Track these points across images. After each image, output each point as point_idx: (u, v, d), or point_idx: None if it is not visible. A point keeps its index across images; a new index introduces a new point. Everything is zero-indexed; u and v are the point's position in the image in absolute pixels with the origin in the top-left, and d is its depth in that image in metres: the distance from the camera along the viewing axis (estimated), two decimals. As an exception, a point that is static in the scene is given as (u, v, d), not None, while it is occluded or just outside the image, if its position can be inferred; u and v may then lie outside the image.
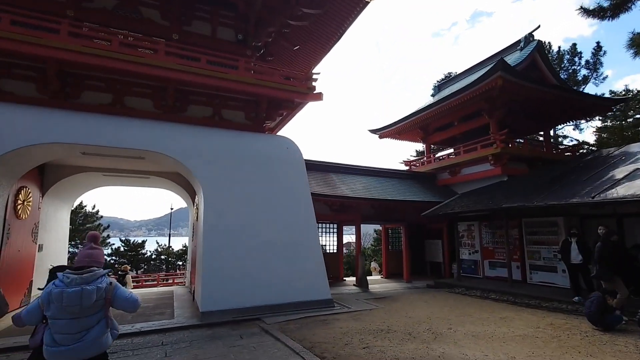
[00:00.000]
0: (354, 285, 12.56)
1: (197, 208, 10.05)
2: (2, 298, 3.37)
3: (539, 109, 13.89)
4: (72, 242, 27.66)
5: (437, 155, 17.09)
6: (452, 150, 16.34)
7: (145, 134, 7.88)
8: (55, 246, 10.85)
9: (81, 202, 30.76)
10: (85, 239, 2.93)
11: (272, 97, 9.39)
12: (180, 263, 34.86)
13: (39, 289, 2.88)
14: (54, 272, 2.99)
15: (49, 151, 7.43)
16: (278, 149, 9.41)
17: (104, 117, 7.78)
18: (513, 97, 12.39)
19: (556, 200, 8.26)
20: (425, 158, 17.06)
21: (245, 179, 8.65)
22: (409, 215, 13.94)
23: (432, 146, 18.46)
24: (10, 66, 7.55)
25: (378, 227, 23.49)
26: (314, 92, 9.56)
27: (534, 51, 14.67)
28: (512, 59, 14.63)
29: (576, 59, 24.63)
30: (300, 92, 9.40)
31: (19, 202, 8.27)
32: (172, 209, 51.19)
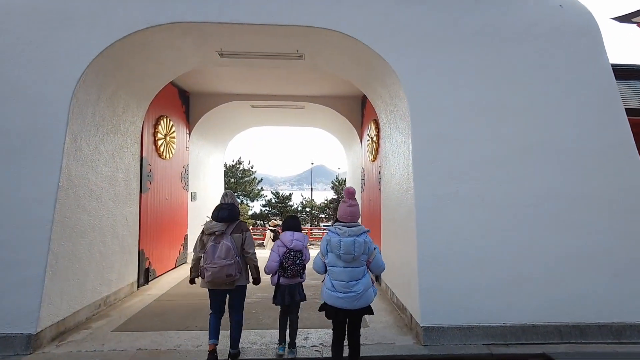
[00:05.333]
0: None
1: (374, 140, 6.46)
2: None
3: None
4: (236, 193, 30.30)
5: None
6: None
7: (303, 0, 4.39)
8: (210, 195, 9.35)
9: (239, 158, 33.43)
10: (344, 195, 3.02)
11: None
12: (323, 216, 34.96)
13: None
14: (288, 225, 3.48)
15: (175, 48, 4.81)
16: (540, 12, 4.57)
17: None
18: None
19: None
20: None
21: (480, 74, 4.32)
22: None
23: None
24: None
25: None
26: None
27: None
28: None
29: None
30: None
31: (159, 135, 6.32)
32: (312, 163, 52.69)
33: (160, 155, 6.36)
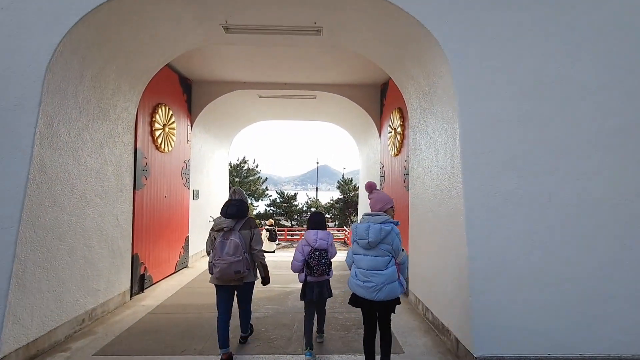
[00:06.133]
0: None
1: (398, 131, 5.72)
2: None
3: None
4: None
5: None
6: None
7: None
8: (214, 193, 8.66)
9: (244, 157, 32.82)
10: (366, 189, 3.09)
11: None
12: (329, 216, 34.21)
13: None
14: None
15: (172, 18, 4.11)
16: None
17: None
18: None
19: None
20: None
21: (546, 40, 3.52)
22: None
23: None
24: None
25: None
26: None
27: None
28: None
29: None
30: None
31: (157, 125, 5.63)
32: (317, 163, 51.87)
33: (158, 148, 5.66)
